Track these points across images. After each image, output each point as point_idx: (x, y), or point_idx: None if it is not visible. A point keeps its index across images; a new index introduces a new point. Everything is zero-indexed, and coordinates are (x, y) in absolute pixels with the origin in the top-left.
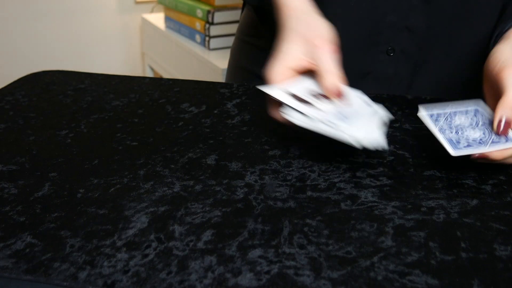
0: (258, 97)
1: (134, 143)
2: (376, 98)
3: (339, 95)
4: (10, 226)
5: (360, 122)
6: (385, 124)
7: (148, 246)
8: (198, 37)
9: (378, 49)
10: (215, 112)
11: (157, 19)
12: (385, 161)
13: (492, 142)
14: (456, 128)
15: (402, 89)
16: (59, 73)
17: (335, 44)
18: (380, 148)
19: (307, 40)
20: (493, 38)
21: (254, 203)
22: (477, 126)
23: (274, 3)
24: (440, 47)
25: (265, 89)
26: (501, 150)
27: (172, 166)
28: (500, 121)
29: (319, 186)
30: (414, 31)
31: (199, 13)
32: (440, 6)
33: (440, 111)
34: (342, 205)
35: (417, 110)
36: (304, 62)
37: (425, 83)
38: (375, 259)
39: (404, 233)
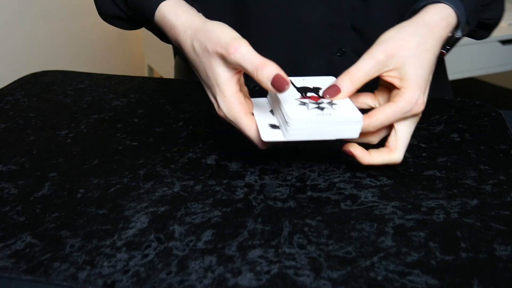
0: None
1: (134, 143)
2: None
3: (285, 81)
4: (10, 226)
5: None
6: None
7: (148, 246)
8: None
9: (328, 51)
10: (215, 112)
11: None
12: None
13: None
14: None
15: (363, 90)
16: (59, 73)
17: (238, 36)
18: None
19: (217, 54)
20: (407, 14)
21: (254, 203)
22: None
23: (164, 31)
24: None
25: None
26: (368, 158)
27: (172, 166)
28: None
29: (319, 186)
30: (360, 30)
31: None
32: (376, 2)
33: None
34: (342, 205)
35: None
36: (236, 75)
37: None
38: (375, 259)
39: (404, 233)
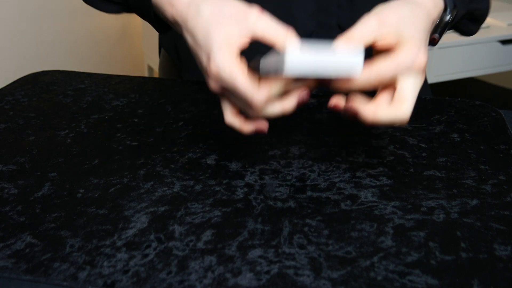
0: None
1: (134, 143)
2: None
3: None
4: (10, 226)
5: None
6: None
7: (148, 246)
8: None
9: None
10: (215, 112)
11: None
12: (385, 161)
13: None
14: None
15: None
16: (59, 73)
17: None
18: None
19: (235, 17)
20: None
21: (254, 203)
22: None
23: (161, 9)
24: None
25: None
26: (371, 108)
27: (172, 166)
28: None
29: (319, 186)
30: (346, 29)
31: None
32: (362, 2)
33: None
34: (342, 205)
35: (416, 110)
36: (243, 42)
37: None
38: (375, 259)
39: (404, 233)
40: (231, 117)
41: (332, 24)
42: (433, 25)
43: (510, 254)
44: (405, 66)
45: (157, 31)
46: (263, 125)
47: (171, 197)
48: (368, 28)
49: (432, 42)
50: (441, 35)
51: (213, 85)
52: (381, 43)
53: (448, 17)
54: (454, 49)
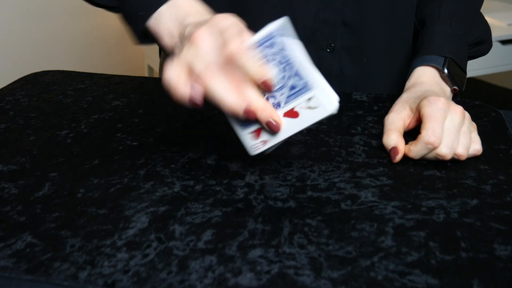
0: None
1: (134, 143)
2: (375, 98)
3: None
4: (11, 226)
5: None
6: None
7: (149, 246)
8: None
9: (318, 47)
10: (215, 112)
11: None
12: (385, 161)
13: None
14: None
15: (353, 87)
16: (59, 73)
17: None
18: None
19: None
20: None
21: (254, 203)
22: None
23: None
24: (383, 44)
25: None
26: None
27: (172, 166)
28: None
29: (319, 186)
30: (351, 27)
31: None
32: None
33: None
34: (342, 205)
35: None
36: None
37: (377, 81)
38: (375, 259)
39: (404, 233)
40: (177, 68)
41: (337, 22)
42: (445, 82)
43: (510, 254)
44: (434, 115)
45: (137, 38)
46: (199, 94)
47: (172, 197)
48: (399, 121)
49: (455, 92)
50: (457, 86)
51: (204, 32)
52: (409, 120)
53: (445, 71)
54: None
